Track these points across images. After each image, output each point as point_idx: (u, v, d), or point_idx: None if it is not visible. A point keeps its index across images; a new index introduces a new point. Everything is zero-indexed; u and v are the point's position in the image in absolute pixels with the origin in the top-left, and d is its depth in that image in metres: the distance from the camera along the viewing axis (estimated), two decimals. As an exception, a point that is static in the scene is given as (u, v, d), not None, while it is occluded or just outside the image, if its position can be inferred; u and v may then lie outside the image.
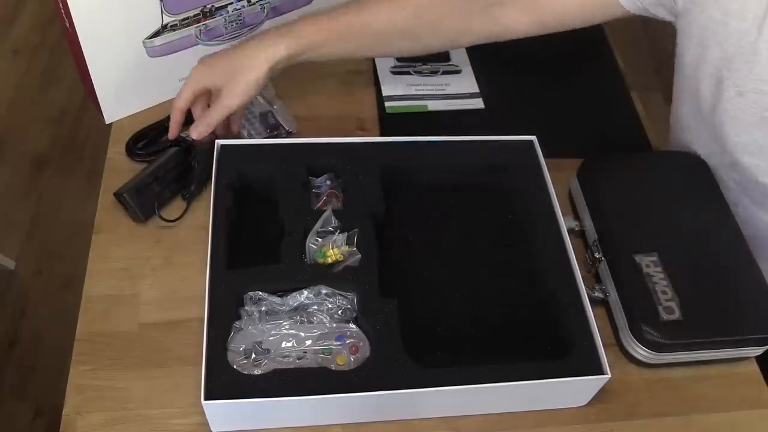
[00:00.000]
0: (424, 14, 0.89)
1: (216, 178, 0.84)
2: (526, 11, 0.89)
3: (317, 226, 0.80)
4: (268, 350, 0.73)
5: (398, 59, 1.10)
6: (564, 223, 0.84)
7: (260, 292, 0.76)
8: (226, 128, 0.92)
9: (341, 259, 0.78)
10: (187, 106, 0.88)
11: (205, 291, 0.75)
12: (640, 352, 0.79)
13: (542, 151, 0.91)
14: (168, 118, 0.95)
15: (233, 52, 0.87)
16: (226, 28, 0.98)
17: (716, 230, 0.87)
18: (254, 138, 0.95)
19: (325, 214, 0.81)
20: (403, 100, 1.05)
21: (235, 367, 0.71)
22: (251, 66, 0.85)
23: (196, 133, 0.87)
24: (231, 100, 0.85)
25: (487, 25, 0.90)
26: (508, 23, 0.90)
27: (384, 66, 1.09)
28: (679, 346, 0.79)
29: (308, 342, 0.74)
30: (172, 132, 0.90)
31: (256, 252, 0.80)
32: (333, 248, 0.78)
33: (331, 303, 0.76)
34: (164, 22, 0.92)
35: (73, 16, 0.83)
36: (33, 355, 1.60)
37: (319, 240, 0.79)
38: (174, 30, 0.93)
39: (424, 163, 0.90)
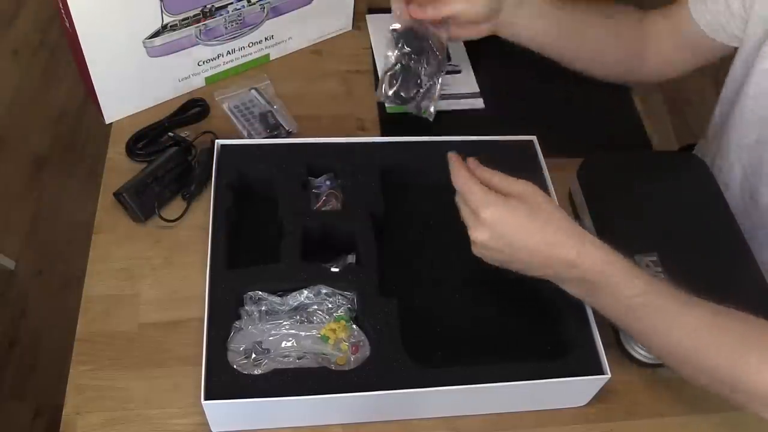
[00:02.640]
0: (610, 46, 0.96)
1: (216, 178, 0.84)
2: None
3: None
4: (268, 350, 0.73)
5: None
6: (564, 223, 0.84)
7: (260, 292, 0.76)
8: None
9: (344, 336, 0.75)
10: None
11: (205, 291, 0.75)
12: (640, 352, 0.79)
13: (542, 151, 0.91)
14: (168, 119, 0.96)
15: None
16: (226, 28, 0.98)
17: (716, 230, 0.87)
18: (254, 138, 0.95)
19: None
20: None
21: (235, 367, 0.71)
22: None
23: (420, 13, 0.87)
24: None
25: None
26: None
27: (384, 66, 1.09)
28: (679, 346, 0.79)
29: (308, 342, 0.74)
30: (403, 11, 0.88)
31: (256, 252, 0.80)
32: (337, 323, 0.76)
33: (331, 303, 0.76)
34: (164, 22, 0.92)
35: (73, 16, 0.83)
36: (33, 355, 1.60)
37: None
38: (174, 30, 0.93)
39: (424, 163, 0.90)
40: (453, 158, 0.72)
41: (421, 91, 0.94)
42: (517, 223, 0.67)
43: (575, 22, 0.95)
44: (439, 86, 0.96)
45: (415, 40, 0.92)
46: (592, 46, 0.96)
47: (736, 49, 0.91)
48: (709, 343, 0.66)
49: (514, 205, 0.68)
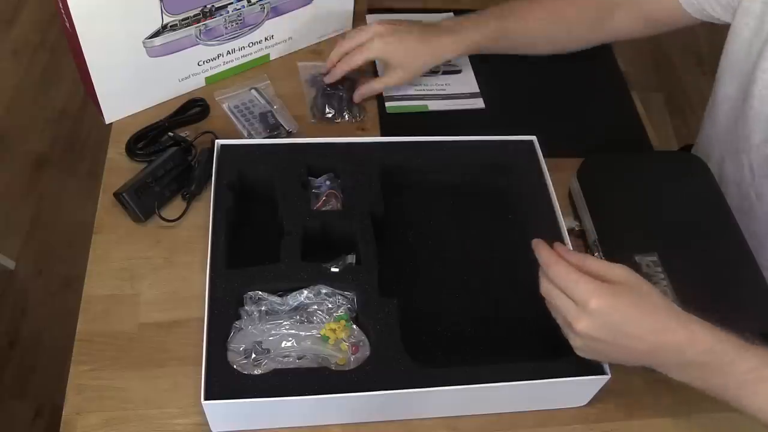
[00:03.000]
0: (560, 22, 1.02)
1: (216, 177, 0.84)
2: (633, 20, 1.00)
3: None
4: (268, 350, 0.73)
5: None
6: (564, 223, 0.84)
7: (260, 292, 0.76)
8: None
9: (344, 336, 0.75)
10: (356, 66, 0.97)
11: (205, 291, 0.75)
12: (640, 352, 0.79)
13: (542, 151, 0.91)
14: (168, 119, 0.96)
15: (414, 36, 0.96)
16: (226, 28, 0.98)
17: (716, 230, 0.87)
18: (254, 138, 0.95)
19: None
20: (404, 100, 1.05)
21: (235, 367, 0.71)
22: (426, 57, 0.96)
23: (358, 97, 1.00)
24: (394, 80, 0.98)
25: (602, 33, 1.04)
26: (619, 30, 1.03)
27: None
28: (679, 346, 0.78)
29: (308, 342, 0.74)
30: (334, 76, 0.98)
31: (256, 252, 0.80)
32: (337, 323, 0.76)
33: (331, 303, 0.76)
34: (164, 22, 0.92)
35: (73, 16, 0.83)
36: (33, 355, 1.61)
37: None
38: (174, 30, 0.93)
39: (424, 163, 0.90)
40: (540, 246, 0.68)
41: (344, 105, 1.02)
42: (625, 312, 0.64)
43: (528, 32, 1.02)
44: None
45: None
46: (555, 40, 1.04)
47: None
48: None
49: (620, 291, 0.64)
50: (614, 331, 0.64)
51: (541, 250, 0.68)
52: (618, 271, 0.65)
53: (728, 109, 0.95)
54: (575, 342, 0.67)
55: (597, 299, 0.63)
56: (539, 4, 1.01)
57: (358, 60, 0.96)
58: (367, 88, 0.99)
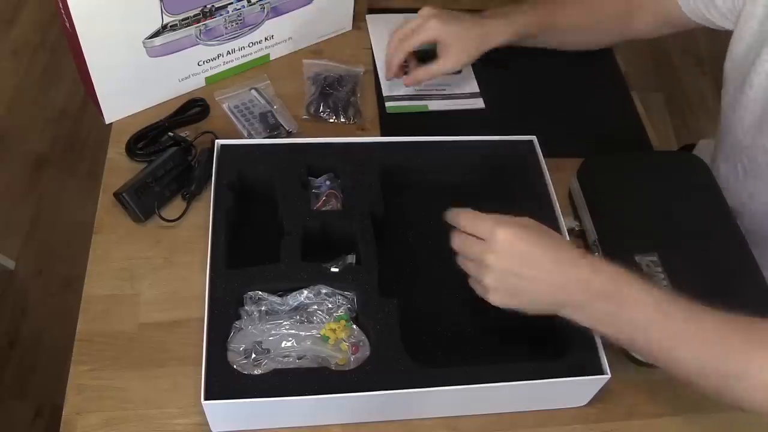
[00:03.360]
0: (596, 15, 1.02)
1: (216, 177, 0.84)
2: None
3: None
4: (268, 350, 0.73)
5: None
6: (564, 223, 0.84)
7: (260, 292, 0.76)
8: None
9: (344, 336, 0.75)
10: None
11: (205, 291, 0.75)
12: (640, 352, 0.79)
13: (542, 151, 0.91)
14: (168, 119, 0.96)
15: (468, 18, 0.95)
16: (226, 28, 0.98)
17: (716, 230, 0.87)
18: (254, 138, 0.95)
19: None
20: (403, 100, 1.05)
21: (235, 367, 0.71)
22: (481, 39, 0.95)
23: (413, 81, 0.97)
24: (452, 62, 0.95)
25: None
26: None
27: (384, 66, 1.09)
28: (679, 346, 0.79)
29: (308, 342, 0.74)
30: (391, 66, 0.98)
31: (256, 252, 0.80)
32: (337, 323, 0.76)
33: (331, 303, 0.76)
34: (164, 22, 0.92)
35: (73, 16, 0.83)
36: (33, 355, 1.60)
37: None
38: (174, 30, 0.93)
39: (424, 163, 0.90)
40: (450, 213, 0.72)
41: (340, 106, 1.02)
42: (530, 242, 0.67)
43: (567, 26, 1.02)
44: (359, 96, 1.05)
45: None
46: (588, 36, 1.06)
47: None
48: (717, 351, 0.66)
49: (524, 225, 0.68)
50: (521, 260, 0.67)
51: (450, 213, 0.72)
52: (521, 218, 0.69)
53: (726, 111, 0.96)
54: (488, 282, 0.68)
55: (503, 230, 0.66)
56: None
57: (414, 42, 0.94)
58: (423, 72, 0.96)
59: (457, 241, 0.71)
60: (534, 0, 1.00)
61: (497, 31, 0.96)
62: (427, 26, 0.93)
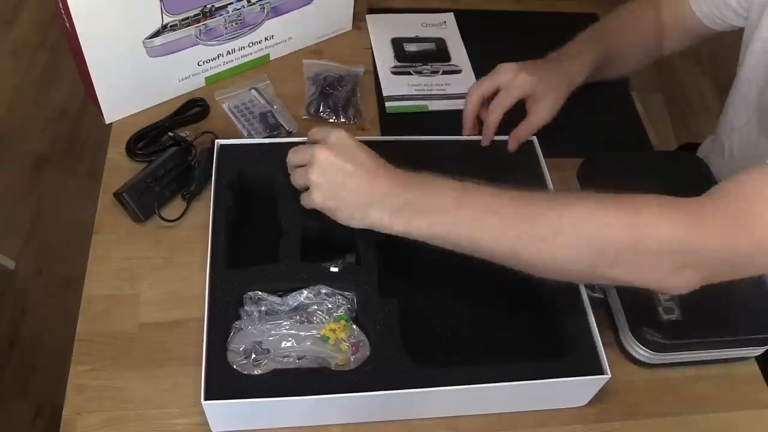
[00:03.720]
0: (638, 39, 1.03)
1: (216, 177, 0.84)
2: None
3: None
4: (268, 350, 0.73)
5: (398, 59, 1.10)
6: (564, 223, 0.84)
7: (260, 292, 0.76)
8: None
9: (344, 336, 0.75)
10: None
11: (205, 291, 0.75)
12: (640, 352, 0.79)
13: (542, 151, 0.91)
14: (168, 119, 0.96)
15: (547, 67, 0.93)
16: (226, 28, 0.98)
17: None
18: (254, 138, 0.95)
19: None
20: (404, 100, 1.05)
21: (235, 367, 0.71)
22: (565, 84, 0.92)
23: (516, 142, 0.91)
24: (548, 113, 0.91)
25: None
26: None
27: (384, 66, 1.09)
28: (679, 346, 0.79)
29: (308, 342, 0.74)
30: (488, 136, 0.92)
31: (256, 252, 0.80)
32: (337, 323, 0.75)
33: (330, 303, 0.76)
34: (164, 22, 0.92)
35: (73, 16, 0.83)
36: (33, 355, 1.60)
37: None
38: (174, 30, 0.93)
39: (424, 163, 0.90)
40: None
41: (339, 105, 1.01)
42: (356, 144, 0.73)
43: (620, 54, 1.01)
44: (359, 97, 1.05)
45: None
46: (634, 60, 1.05)
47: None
48: (529, 215, 0.68)
49: (331, 145, 0.73)
50: (348, 157, 0.72)
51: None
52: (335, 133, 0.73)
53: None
54: (314, 185, 0.73)
55: (319, 151, 0.72)
56: (626, 22, 1.02)
57: (508, 102, 0.90)
58: (525, 130, 0.92)
59: (293, 178, 0.77)
60: (590, 35, 0.99)
61: (576, 72, 0.95)
62: (518, 83, 0.90)
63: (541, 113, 0.91)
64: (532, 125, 0.91)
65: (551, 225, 0.66)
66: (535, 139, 0.92)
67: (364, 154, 0.72)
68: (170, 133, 0.94)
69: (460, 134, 0.92)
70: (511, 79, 0.90)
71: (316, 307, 0.76)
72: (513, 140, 0.91)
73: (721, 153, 0.99)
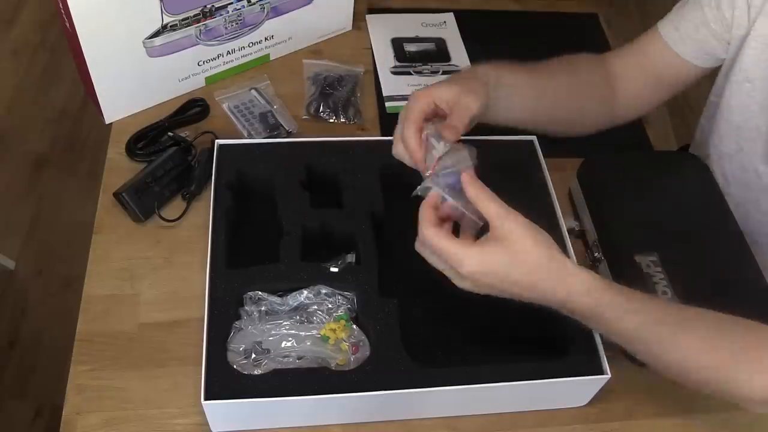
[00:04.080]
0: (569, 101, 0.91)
1: (216, 177, 0.84)
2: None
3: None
4: (268, 350, 0.73)
5: (398, 59, 1.10)
6: (564, 223, 0.84)
7: (260, 292, 0.76)
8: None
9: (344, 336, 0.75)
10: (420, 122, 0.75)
11: (205, 291, 0.75)
12: (640, 352, 0.79)
13: (542, 151, 0.91)
14: (168, 119, 0.96)
15: (461, 77, 0.83)
16: (226, 28, 0.98)
17: (716, 230, 0.87)
18: (254, 138, 0.95)
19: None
20: (404, 100, 1.05)
21: (235, 367, 0.71)
22: (482, 84, 0.80)
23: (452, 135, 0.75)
24: (472, 102, 0.76)
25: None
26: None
27: (384, 66, 1.09)
28: (679, 346, 0.78)
29: (308, 342, 0.74)
30: (417, 160, 0.74)
31: (256, 252, 0.80)
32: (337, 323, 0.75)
33: (330, 303, 0.76)
34: (164, 22, 0.92)
35: (73, 16, 0.83)
36: (33, 355, 1.60)
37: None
38: (174, 30, 0.93)
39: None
40: (422, 208, 0.69)
41: (339, 105, 1.01)
42: (499, 272, 0.65)
43: (547, 89, 0.89)
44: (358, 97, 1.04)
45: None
46: (567, 106, 0.92)
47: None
48: (707, 360, 0.68)
49: (489, 251, 0.65)
50: (493, 286, 0.66)
51: (423, 209, 0.68)
52: (507, 226, 0.65)
53: (708, 116, 0.96)
54: (462, 284, 0.67)
55: (465, 266, 0.64)
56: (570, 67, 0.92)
57: (414, 117, 0.76)
58: (457, 120, 0.77)
59: (427, 236, 0.67)
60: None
61: (488, 72, 0.84)
62: (440, 94, 0.77)
63: (470, 104, 0.77)
64: (462, 116, 0.76)
65: (729, 377, 0.68)
66: (535, 139, 0.91)
67: (509, 283, 0.66)
68: (170, 133, 0.94)
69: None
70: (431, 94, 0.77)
71: (316, 307, 0.76)
72: (447, 130, 0.75)
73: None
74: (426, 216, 0.68)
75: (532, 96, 0.88)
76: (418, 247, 0.69)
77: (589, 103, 0.92)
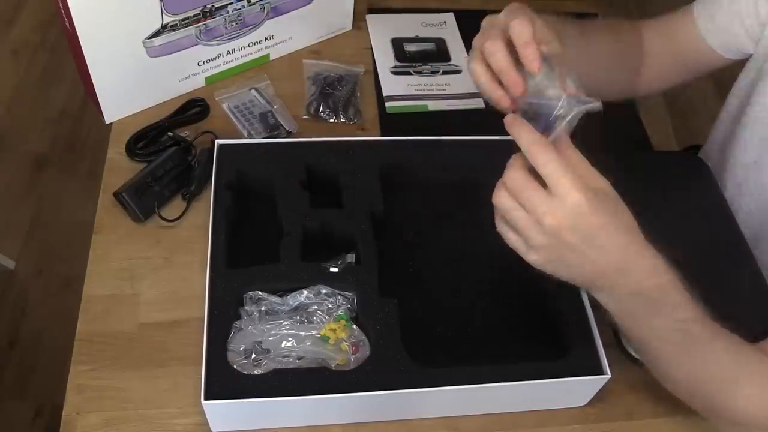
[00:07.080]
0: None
1: (216, 177, 0.84)
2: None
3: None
4: (268, 350, 0.73)
5: (398, 59, 1.10)
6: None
7: (260, 292, 0.76)
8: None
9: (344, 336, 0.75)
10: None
11: (205, 291, 0.75)
12: (640, 352, 0.79)
13: (542, 151, 0.90)
14: (168, 119, 0.96)
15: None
16: (226, 28, 0.98)
17: (716, 231, 0.87)
18: (254, 138, 0.95)
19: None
20: (404, 100, 1.05)
21: (235, 367, 0.71)
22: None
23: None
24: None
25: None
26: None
27: (384, 66, 1.09)
28: (679, 346, 0.78)
29: (308, 342, 0.74)
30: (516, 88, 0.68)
31: (256, 252, 0.80)
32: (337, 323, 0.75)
33: (331, 303, 0.76)
34: (164, 22, 0.92)
35: (73, 16, 0.83)
36: (33, 355, 1.60)
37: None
38: (174, 30, 0.93)
39: (424, 162, 0.90)
40: (512, 121, 0.61)
41: (339, 105, 1.01)
42: (603, 219, 0.58)
43: (592, 46, 0.87)
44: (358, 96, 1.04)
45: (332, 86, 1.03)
46: (605, 67, 0.89)
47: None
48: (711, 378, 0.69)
49: (604, 193, 0.60)
50: (584, 236, 0.58)
51: (514, 124, 0.61)
52: (606, 184, 0.62)
53: (728, 124, 0.95)
54: (536, 242, 0.59)
55: (578, 194, 0.57)
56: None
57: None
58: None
59: (513, 178, 0.59)
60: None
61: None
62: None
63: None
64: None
65: (727, 400, 0.69)
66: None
67: (605, 238, 0.59)
68: (170, 133, 0.94)
69: (460, 134, 0.91)
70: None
71: (316, 307, 0.76)
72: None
73: (723, 185, 0.95)
74: (522, 158, 0.60)
75: (582, 55, 0.80)
76: (497, 193, 0.61)
77: (621, 70, 0.92)
